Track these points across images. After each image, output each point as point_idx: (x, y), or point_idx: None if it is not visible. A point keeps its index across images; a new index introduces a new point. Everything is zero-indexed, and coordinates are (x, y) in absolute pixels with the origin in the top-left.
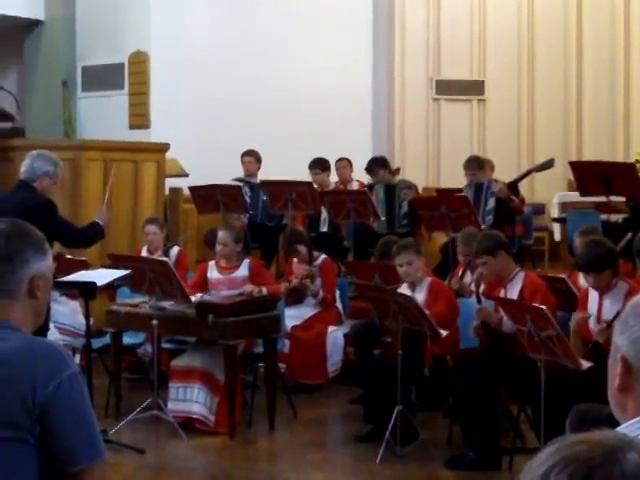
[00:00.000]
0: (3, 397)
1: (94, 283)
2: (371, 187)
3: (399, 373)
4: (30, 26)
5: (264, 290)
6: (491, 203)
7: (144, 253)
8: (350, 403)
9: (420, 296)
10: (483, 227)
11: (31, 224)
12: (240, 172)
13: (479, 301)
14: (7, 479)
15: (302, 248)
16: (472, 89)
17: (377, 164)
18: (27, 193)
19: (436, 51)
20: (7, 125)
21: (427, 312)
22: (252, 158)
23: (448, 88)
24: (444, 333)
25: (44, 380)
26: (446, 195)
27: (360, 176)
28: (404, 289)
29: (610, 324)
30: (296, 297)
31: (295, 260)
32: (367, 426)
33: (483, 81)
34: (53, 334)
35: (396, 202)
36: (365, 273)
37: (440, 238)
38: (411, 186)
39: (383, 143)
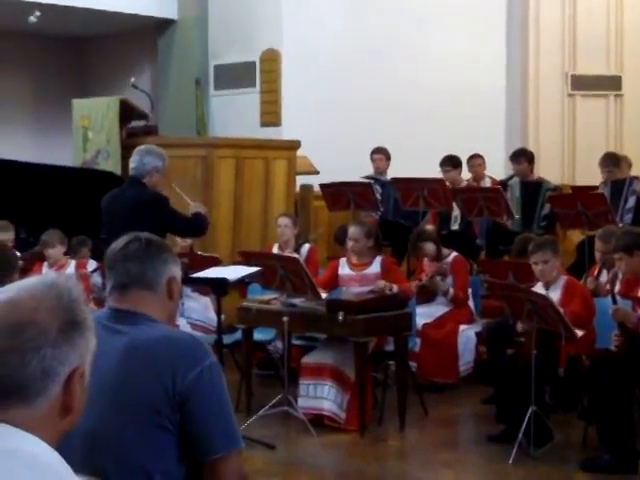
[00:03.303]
0: (146, 385)
1: (225, 279)
2: (504, 184)
3: (533, 373)
4: (163, 25)
5: (395, 288)
6: (632, 201)
7: (275, 250)
8: (482, 403)
9: (555, 295)
10: (620, 226)
11: (145, 219)
12: (370, 170)
13: (614, 301)
14: (149, 465)
15: (429, 246)
16: (609, 84)
17: (524, 155)
18: (138, 189)
19: (572, 45)
20: (141, 123)
21: (562, 311)
22: (382, 155)
23: (584, 83)
24: (579, 333)
25: (185, 369)
26: (582, 193)
27: (493, 173)
28: (539, 288)
29: None
30: (427, 295)
31: (426, 258)
32: (499, 426)
33: (620, 76)
34: (185, 329)
35: (539, 202)
36: (498, 271)
37: (576, 237)
38: (556, 188)
39: (517, 140)
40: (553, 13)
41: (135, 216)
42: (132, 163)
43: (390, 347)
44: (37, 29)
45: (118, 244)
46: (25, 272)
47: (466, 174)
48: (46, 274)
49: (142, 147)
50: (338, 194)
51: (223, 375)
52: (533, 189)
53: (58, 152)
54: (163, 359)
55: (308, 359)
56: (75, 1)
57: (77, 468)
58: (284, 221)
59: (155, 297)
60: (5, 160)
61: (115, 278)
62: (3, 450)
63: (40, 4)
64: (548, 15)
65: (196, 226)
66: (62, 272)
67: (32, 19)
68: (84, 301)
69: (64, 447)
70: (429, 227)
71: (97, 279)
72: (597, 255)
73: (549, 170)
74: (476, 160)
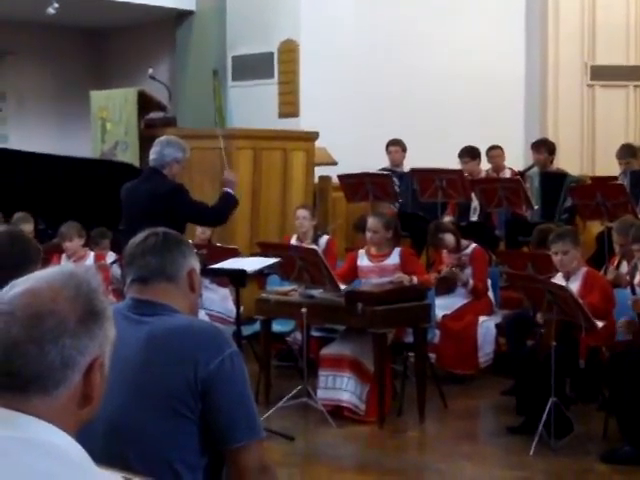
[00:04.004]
0: (168, 374)
1: (244, 271)
2: (523, 175)
3: (553, 365)
4: (181, 17)
5: (415, 279)
6: None
7: (294, 241)
8: (502, 394)
9: (574, 286)
10: None
11: (164, 210)
12: (387, 162)
13: (634, 292)
14: (170, 455)
15: (449, 237)
16: (629, 74)
17: (545, 144)
18: (158, 180)
19: (591, 36)
20: (159, 115)
21: (582, 302)
22: (398, 147)
23: (603, 74)
24: (600, 324)
25: (207, 358)
26: (601, 183)
27: (512, 164)
28: (558, 279)
29: None
30: (446, 287)
31: (445, 250)
32: (519, 418)
33: None
34: None
35: (561, 194)
36: (517, 262)
37: (595, 227)
38: (579, 181)
39: (536, 131)
40: (572, 2)
41: (154, 207)
42: (152, 154)
43: (409, 338)
44: (55, 21)
45: (136, 240)
46: (44, 263)
47: (485, 165)
48: (65, 265)
49: (163, 138)
50: (357, 185)
51: (244, 364)
52: (555, 180)
53: (77, 143)
54: (185, 348)
55: (327, 350)
56: None
57: (98, 457)
58: (302, 213)
59: (176, 289)
60: (24, 152)
61: (135, 272)
62: (23, 440)
63: None
64: (567, 4)
65: (217, 215)
66: (81, 263)
67: (50, 10)
68: (103, 291)
69: (85, 436)
70: (447, 218)
71: (116, 270)
72: (616, 247)
73: (568, 161)
74: (495, 151)
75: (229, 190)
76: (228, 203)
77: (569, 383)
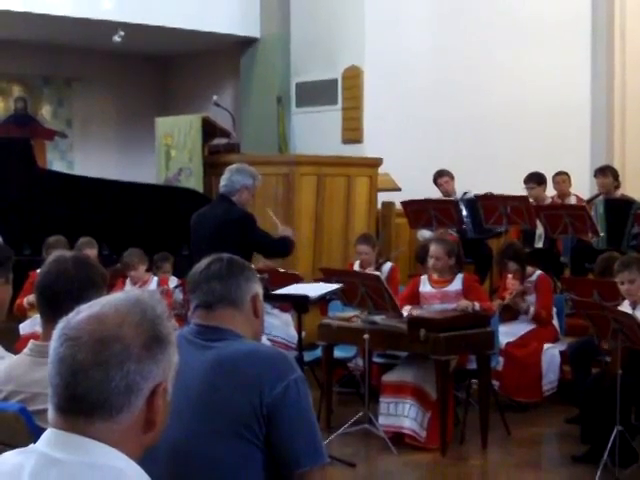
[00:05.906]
0: (233, 398)
1: (307, 296)
2: (588, 203)
3: (618, 393)
4: (246, 44)
5: (478, 306)
6: None
7: (356, 267)
8: (566, 422)
9: None
10: None
11: (231, 237)
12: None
13: None
14: (235, 479)
15: (512, 265)
16: None
17: (610, 170)
18: (227, 207)
19: None
20: (223, 141)
21: None
22: (447, 178)
23: None
24: None
25: (272, 382)
26: None
27: (578, 191)
28: (625, 307)
29: None
30: (511, 314)
31: (510, 276)
32: (584, 446)
33: None
34: None
35: (629, 220)
36: (583, 289)
37: None
38: None
39: (602, 158)
40: (639, 27)
41: (222, 234)
42: (222, 181)
43: (472, 365)
44: (121, 48)
45: (200, 265)
46: (108, 288)
47: (550, 191)
48: (130, 290)
49: (234, 165)
50: (420, 211)
51: (309, 389)
52: (620, 207)
53: (141, 170)
54: (250, 373)
55: (389, 377)
56: (159, 20)
57: None
58: (363, 249)
59: (241, 314)
60: (89, 178)
61: (199, 298)
62: (88, 464)
63: (124, 24)
64: (634, 31)
65: (281, 247)
66: (145, 288)
67: (116, 39)
68: (168, 317)
69: (148, 461)
70: (518, 244)
71: (178, 295)
72: None
73: (636, 188)
74: (561, 177)
75: (287, 235)
76: (289, 243)
77: (634, 412)
